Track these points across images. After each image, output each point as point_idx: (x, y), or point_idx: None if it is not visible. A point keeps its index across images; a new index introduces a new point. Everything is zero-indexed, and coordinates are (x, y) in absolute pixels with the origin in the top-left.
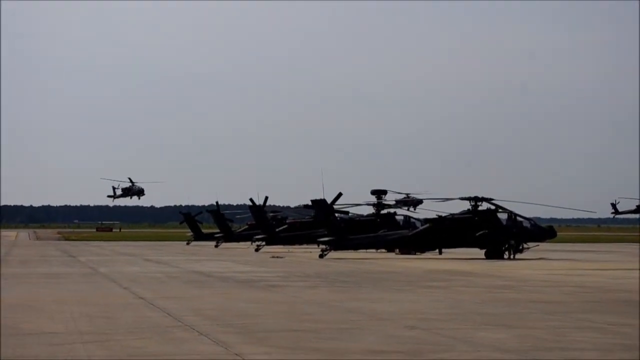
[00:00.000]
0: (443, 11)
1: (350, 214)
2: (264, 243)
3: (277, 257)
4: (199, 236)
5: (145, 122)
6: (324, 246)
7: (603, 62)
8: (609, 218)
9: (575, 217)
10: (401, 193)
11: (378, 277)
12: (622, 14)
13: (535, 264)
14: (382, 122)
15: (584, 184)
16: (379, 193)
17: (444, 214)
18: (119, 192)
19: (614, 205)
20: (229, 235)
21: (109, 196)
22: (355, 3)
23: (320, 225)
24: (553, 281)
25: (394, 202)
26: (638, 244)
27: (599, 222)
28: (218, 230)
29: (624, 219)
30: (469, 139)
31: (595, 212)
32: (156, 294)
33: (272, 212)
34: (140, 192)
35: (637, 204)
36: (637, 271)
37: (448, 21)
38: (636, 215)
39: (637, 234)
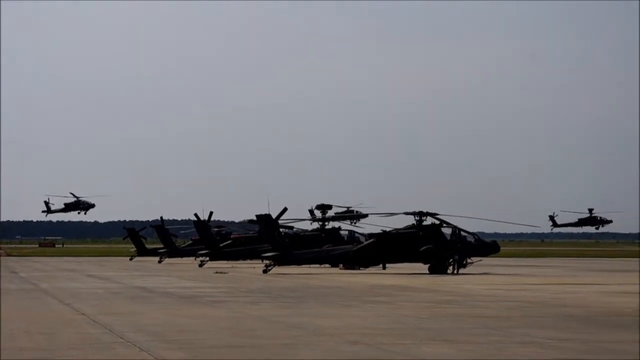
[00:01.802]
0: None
1: (294, 229)
2: (207, 258)
3: (221, 272)
4: (143, 251)
5: (88, 136)
6: (268, 261)
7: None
8: (552, 232)
9: (519, 231)
10: (345, 207)
11: (322, 292)
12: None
13: (479, 278)
14: (326, 134)
15: (527, 199)
16: (324, 208)
17: (388, 229)
18: (57, 206)
19: (552, 218)
20: (172, 250)
21: (43, 211)
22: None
23: (265, 240)
24: (496, 296)
25: (335, 215)
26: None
27: (542, 237)
28: (162, 246)
29: (567, 234)
30: (414, 153)
31: (539, 227)
32: (98, 310)
33: (216, 227)
34: (89, 207)
35: (579, 217)
36: (577, 286)
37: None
38: (578, 229)
39: (578, 248)
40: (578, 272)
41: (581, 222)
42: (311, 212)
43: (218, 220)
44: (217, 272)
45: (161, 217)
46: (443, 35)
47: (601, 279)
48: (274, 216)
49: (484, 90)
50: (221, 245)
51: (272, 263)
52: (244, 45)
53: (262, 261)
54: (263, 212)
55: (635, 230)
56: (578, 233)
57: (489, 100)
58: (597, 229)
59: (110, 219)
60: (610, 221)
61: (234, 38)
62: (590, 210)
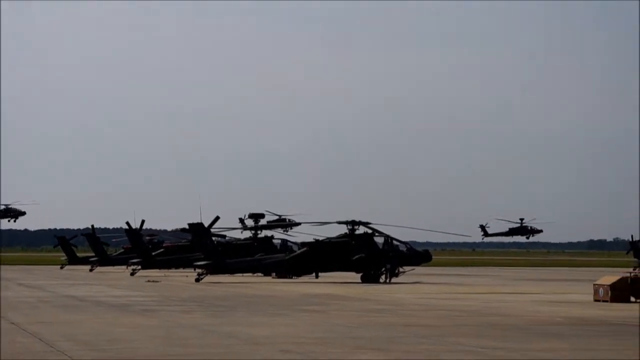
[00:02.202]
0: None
1: (227, 238)
2: (139, 267)
3: (153, 281)
4: (74, 260)
5: (14, 142)
6: (200, 270)
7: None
8: (483, 242)
9: (451, 240)
10: (278, 215)
11: (254, 301)
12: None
13: (411, 287)
14: (259, 142)
15: (459, 208)
16: (256, 217)
17: (321, 238)
18: None
19: (483, 228)
20: (104, 259)
21: None
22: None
23: (197, 249)
24: (427, 305)
25: (268, 224)
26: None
27: (473, 246)
28: (93, 254)
29: (498, 243)
30: (346, 162)
31: (470, 236)
32: (28, 319)
33: (148, 235)
34: (19, 214)
35: (510, 226)
36: (508, 295)
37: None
38: (509, 238)
39: (508, 257)
40: (509, 281)
41: (512, 232)
42: (242, 220)
43: (150, 229)
44: (149, 281)
45: (92, 226)
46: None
47: (532, 288)
48: (206, 225)
49: (415, 98)
50: (153, 253)
51: (205, 272)
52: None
53: (195, 270)
54: (195, 221)
55: (565, 240)
56: (509, 242)
57: (420, 108)
58: (527, 238)
59: (41, 227)
60: (541, 231)
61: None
62: (521, 220)
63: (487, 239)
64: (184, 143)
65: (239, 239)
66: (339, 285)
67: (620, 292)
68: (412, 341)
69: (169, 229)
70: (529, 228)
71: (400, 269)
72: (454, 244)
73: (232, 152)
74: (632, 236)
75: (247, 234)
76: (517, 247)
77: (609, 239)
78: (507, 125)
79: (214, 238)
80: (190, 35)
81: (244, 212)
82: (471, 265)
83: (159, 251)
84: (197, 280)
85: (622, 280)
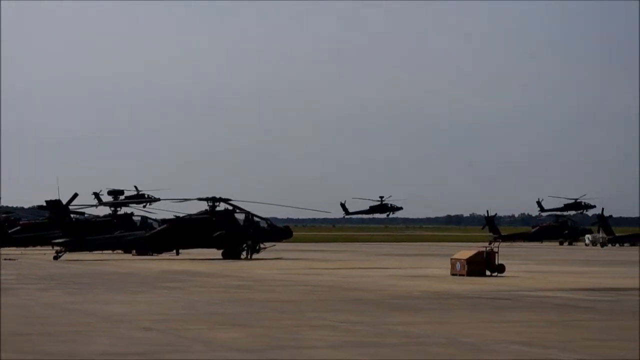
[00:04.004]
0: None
1: (86, 215)
2: None
3: (9, 259)
4: None
5: None
6: (58, 248)
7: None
8: (342, 218)
9: (311, 217)
10: (137, 192)
11: (114, 278)
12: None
13: (271, 263)
14: (116, 117)
15: (320, 185)
16: (115, 193)
17: (181, 214)
18: None
19: (343, 206)
20: None
21: None
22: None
23: (55, 226)
24: (288, 280)
25: (127, 199)
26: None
27: (334, 222)
28: None
29: (358, 219)
30: (207, 139)
31: (329, 212)
32: None
33: (4, 213)
34: None
35: (370, 204)
36: (368, 270)
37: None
38: (370, 216)
39: (368, 233)
40: (369, 257)
41: (372, 210)
42: (97, 195)
43: (6, 206)
44: (5, 259)
45: None
46: None
47: (391, 263)
48: (64, 202)
49: (283, 83)
50: (9, 231)
51: (63, 249)
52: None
53: (53, 248)
54: (53, 198)
55: (423, 216)
56: (369, 219)
57: (287, 92)
58: (387, 216)
59: None
60: (401, 208)
61: None
62: (381, 197)
63: (348, 217)
64: (40, 119)
65: (99, 216)
66: (200, 262)
67: (476, 266)
68: (272, 316)
69: (26, 206)
70: (389, 205)
71: (261, 245)
72: (314, 220)
73: (90, 129)
74: (487, 211)
75: (105, 210)
76: (377, 223)
77: (466, 214)
78: (367, 101)
79: (72, 215)
80: None
81: (104, 188)
82: (332, 241)
83: (15, 229)
84: (56, 258)
85: (478, 254)
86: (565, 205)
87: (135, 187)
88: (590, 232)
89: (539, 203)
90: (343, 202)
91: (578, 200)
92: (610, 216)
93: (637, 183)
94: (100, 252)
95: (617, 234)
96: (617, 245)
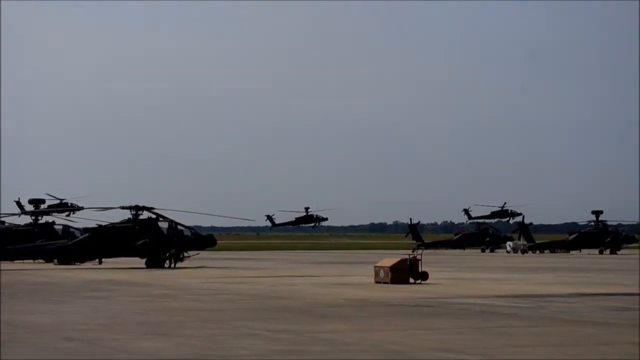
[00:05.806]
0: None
1: (6, 224)
2: None
3: None
4: None
5: None
6: None
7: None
8: (267, 227)
9: (236, 225)
10: (59, 200)
11: (35, 288)
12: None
13: (195, 272)
14: (46, 123)
15: (244, 194)
16: (36, 202)
17: (104, 223)
18: None
19: (270, 218)
20: None
21: None
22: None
23: None
24: (212, 289)
25: (48, 208)
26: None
27: (258, 231)
28: None
29: (282, 228)
30: (131, 146)
31: (254, 220)
32: None
33: None
34: None
35: (296, 216)
36: (293, 278)
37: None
38: (296, 227)
39: (292, 241)
40: (293, 265)
41: (298, 221)
42: (18, 203)
43: None
44: None
45: None
46: None
47: (315, 271)
48: None
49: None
50: None
51: None
52: None
53: None
54: None
55: (347, 224)
56: (294, 228)
57: (206, 99)
58: (313, 227)
59: None
60: (326, 219)
61: None
62: (306, 208)
63: (275, 228)
64: None
65: (19, 225)
66: (123, 270)
67: (399, 274)
68: (196, 325)
69: None
70: (315, 216)
71: (185, 254)
72: (239, 228)
73: (9, 137)
74: (410, 219)
75: (27, 219)
76: (302, 231)
77: (389, 222)
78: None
79: None
80: None
81: (23, 197)
82: (256, 250)
83: None
84: None
85: (402, 262)
86: (492, 212)
87: (49, 194)
88: (511, 239)
89: (466, 211)
90: (271, 215)
91: (504, 208)
92: (531, 223)
93: (562, 190)
94: (21, 261)
95: (537, 241)
96: (538, 252)
